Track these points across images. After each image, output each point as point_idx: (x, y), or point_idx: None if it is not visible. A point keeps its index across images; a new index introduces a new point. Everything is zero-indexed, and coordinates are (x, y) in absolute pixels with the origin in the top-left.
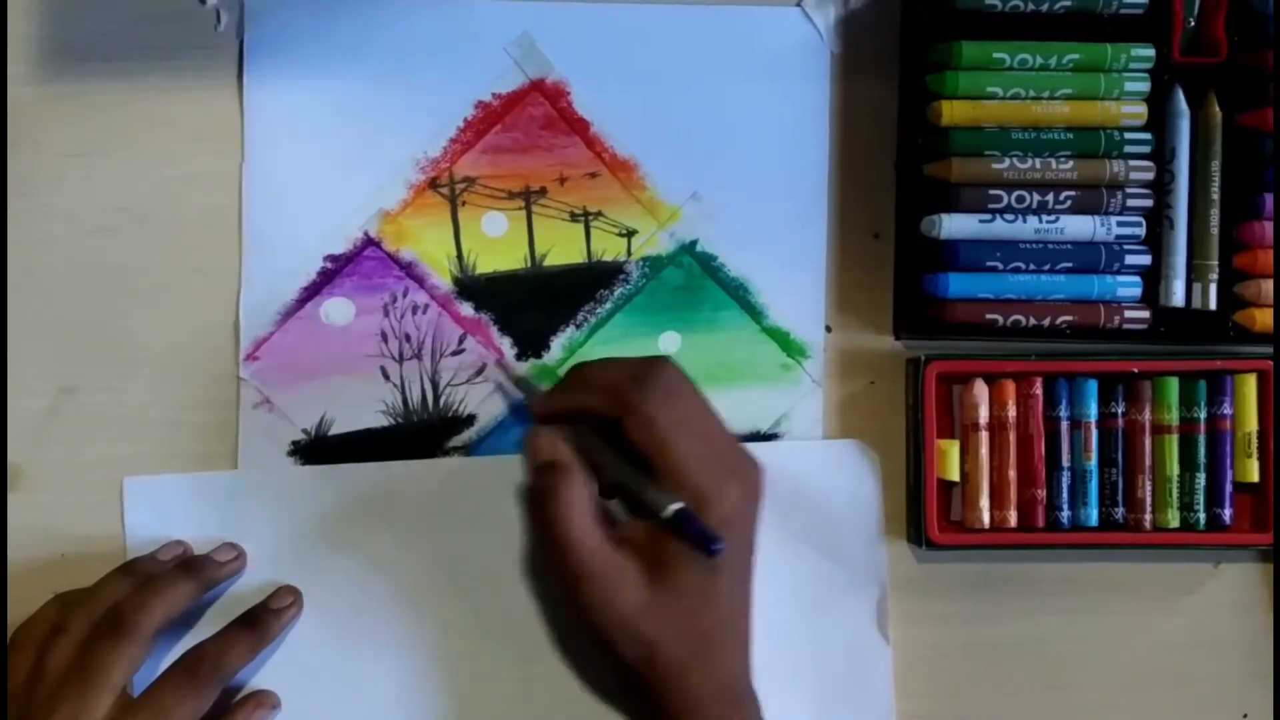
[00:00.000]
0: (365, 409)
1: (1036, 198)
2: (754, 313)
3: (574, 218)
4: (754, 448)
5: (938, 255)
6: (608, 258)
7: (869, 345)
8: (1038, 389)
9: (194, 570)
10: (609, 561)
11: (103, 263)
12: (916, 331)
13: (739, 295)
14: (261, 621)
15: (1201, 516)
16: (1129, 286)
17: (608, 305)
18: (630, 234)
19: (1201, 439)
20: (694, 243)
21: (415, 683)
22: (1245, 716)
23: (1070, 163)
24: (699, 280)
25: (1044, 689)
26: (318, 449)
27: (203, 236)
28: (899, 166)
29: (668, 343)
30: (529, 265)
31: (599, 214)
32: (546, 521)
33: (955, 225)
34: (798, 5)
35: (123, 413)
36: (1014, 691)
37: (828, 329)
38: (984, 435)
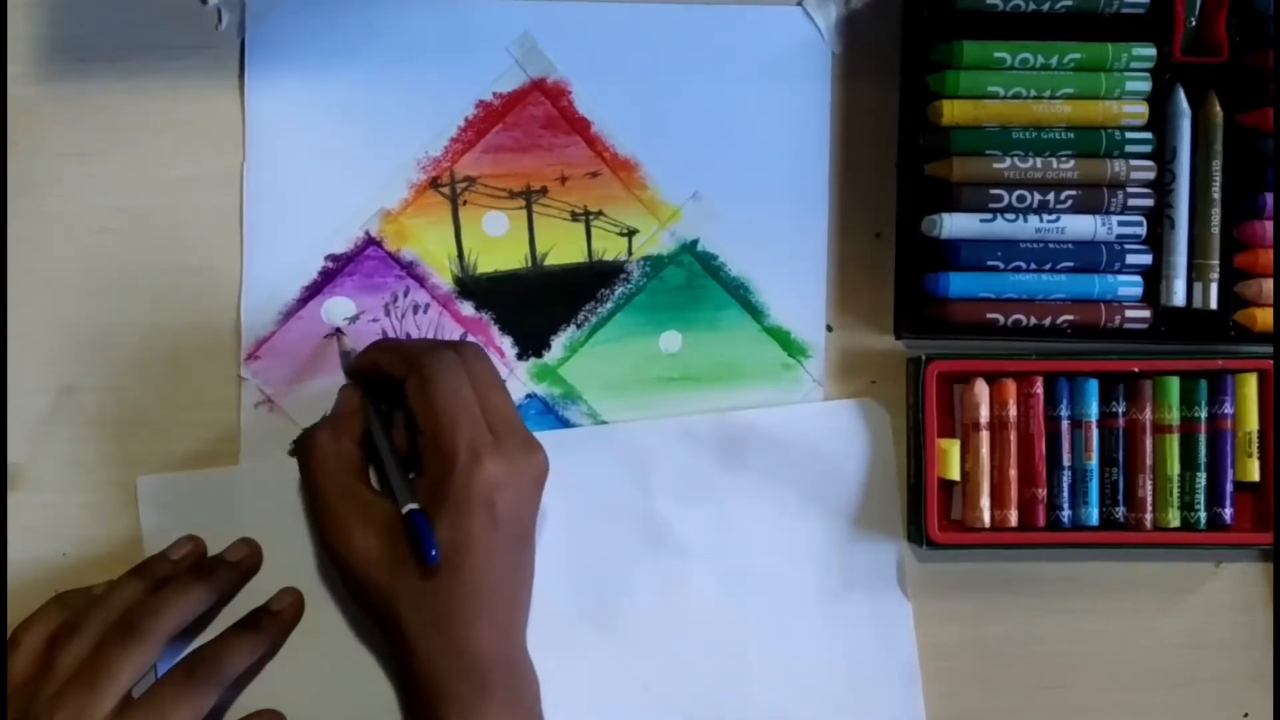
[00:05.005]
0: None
1: (1037, 197)
2: (755, 312)
3: (575, 217)
4: (765, 413)
5: (939, 255)
6: (609, 257)
7: (870, 345)
8: (1038, 388)
9: (208, 575)
10: (355, 502)
11: (103, 263)
12: (917, 331)
13: (740, 295)
14: (261, 625)
15: (1202, 516)
16: (1130, 286)
17: (609, 304)
18: (631, 233)
19: (1202, 438)
20: (695, 242)
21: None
22: (1246, 716)
23: (1071, 162)
24: (700, 280)
25: (1044, 689)
26: None
27: (204, 236)
28: (900, 166)
29: (669, 342)
30: (530, 264)
31: (600, 213)
32: (303, 459)
33: (956, 225)
34: (799, 5)
35: (123, 412)
36: (1014, 691)
37: (829, 328)
38: (984, 435)
